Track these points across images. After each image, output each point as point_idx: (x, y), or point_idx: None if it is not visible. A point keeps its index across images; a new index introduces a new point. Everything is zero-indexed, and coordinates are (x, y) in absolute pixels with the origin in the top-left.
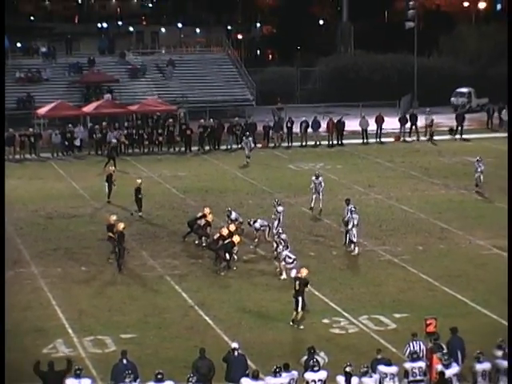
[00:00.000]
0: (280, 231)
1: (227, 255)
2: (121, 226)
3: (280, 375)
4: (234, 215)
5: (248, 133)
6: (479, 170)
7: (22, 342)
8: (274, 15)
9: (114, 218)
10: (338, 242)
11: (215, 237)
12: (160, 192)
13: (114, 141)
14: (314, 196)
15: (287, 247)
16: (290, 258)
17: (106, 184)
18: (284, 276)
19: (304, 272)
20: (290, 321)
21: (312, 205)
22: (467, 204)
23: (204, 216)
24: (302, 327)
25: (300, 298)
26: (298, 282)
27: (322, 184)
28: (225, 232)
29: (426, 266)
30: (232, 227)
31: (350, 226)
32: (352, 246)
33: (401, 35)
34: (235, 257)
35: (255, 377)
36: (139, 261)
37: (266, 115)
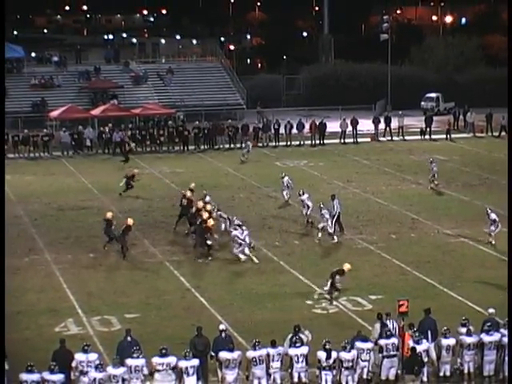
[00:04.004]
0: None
1: (207, 242)
2: (130, 221)
3: (260, 348)
4: (207, 198)
5: (241, 133)
6: (434, 169)
7: (37, 322)
8: (262, 28)
9: (110, 214)
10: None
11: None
12: (160, 186)
13: (119, 139)
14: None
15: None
16: (238, 238)
17: (125, 180)
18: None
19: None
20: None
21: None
22: (435, 197)
23: (198, 210)
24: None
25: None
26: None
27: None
28: (205, 216)
29: (398, 253)
30: (208, 207)
31: (330, 218)
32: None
33: (376, 46)
34: (209, 242)
35: (231, 349)
36: (141, 248)
37: (255, 118)
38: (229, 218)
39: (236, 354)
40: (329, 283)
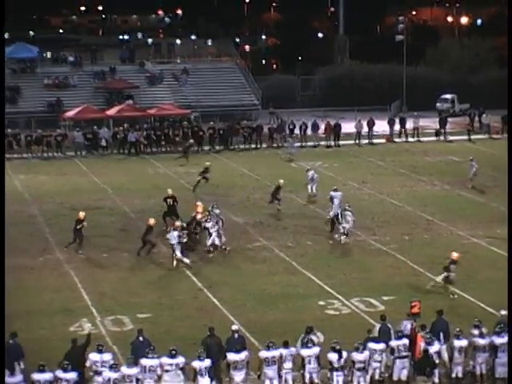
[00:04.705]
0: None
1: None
2: (151, 221)
3: (273, 349)
4: (217, 211)
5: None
6: (474, 169)
7: (52, 321)
8: (277, 29)
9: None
10: (333, 232)
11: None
12: (175, 187)
13: (134, 139)
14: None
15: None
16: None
17: (201, 175)
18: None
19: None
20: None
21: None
22: (450, 199)
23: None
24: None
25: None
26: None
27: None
28: (198, 216)
29: (411, 254)
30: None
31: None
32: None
33: (391, 47)
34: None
35: (238, 351)
36: (155, 249)
37: (270, 118)
38: (222, 219)
39: (243, 355)
40: (443, 276)
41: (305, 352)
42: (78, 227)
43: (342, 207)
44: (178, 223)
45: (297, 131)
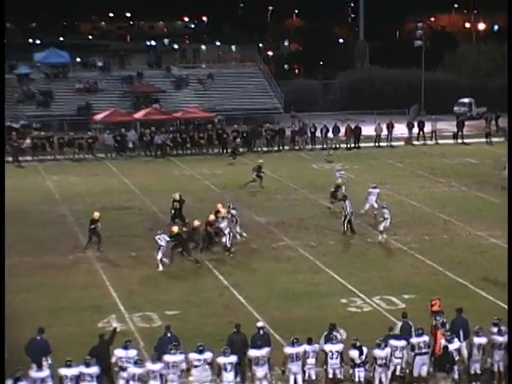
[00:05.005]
0: None
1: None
2: (196, 222)
3: (298, 345)
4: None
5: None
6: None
7: (80, 318)
8: (300, 35)
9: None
10: (347, 232)
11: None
12: (200, 188)
13: (160, 142)
14: None
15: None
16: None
17: (255, 173)
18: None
19: None
20: None
21: None
22: (467, 200)
23: (217, 212)
24: None
25: None
26: None
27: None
28: (211, 217)
29: (431, 254)
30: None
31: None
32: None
33: (410, 52)
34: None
35: (259, 347)
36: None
37: (292, 121)
38: (237, 219)
39: (264, 351)
40: None
41: (328, 347)
42: (92, 227)
43: (380, 205)
44: (174, 228)
45: (318, 134)
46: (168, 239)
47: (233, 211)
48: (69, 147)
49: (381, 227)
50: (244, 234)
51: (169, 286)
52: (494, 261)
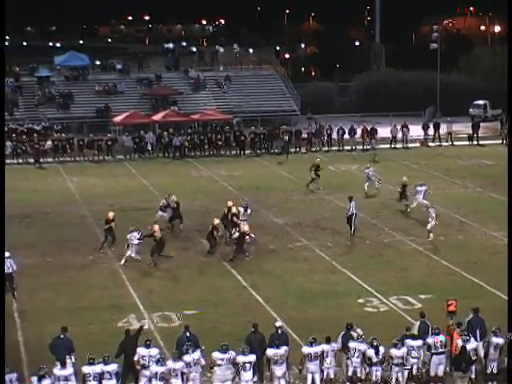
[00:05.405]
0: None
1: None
2: (216, 221)
3: (315, 345)
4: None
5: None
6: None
7: (101, 317)
8: (316, 38)
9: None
10: (370, 232)
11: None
12: (217, 189)
13: (178, 144)
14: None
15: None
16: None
17: (313, 173)
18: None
19: None
20: None
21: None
22: (482, 201)
23: (229, 209)
24: None
25: None
26: None
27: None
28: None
29: (446, 254)
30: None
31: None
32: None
33: (426, 55)
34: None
35: (277, 346)
36: (200, 248)
37: (308, 123)
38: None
39: (283, 350)
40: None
41: (353, 345)
42: (107, 227)
43: (426, 204)
44: (156, 226)
45: (334, 135)
46: (139, 238)
47: (241, 209)
48: (89, 149)
49: (428, 226)
50: (251, 235)
51: (187, 286)
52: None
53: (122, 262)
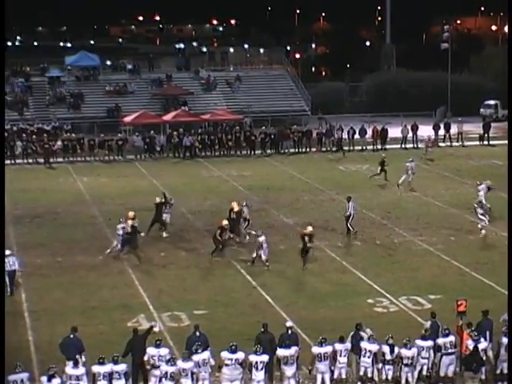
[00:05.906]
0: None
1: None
2: (224, 222)
3: (326, 345)
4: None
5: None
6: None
7: (110, 317)
8: (327, 38)
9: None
10: (380, 232)
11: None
12: (227, 189)
13: (189, 144)
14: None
15: None
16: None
17: (380, 167)
18: None
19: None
20: None
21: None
22: (492, 201)
23: (231, 209)
24: None
25: None
26: None
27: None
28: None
29: (457, 254)
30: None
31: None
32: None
33: (436, 55)
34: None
35: (288, 346)
36: (210, 248)
37: (319, 123)
38: (248, 220)
39: (293, 350)
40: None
41: (364, 345)
42: (135, 225)
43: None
44: (130, 219)
45: (345, 136)
46: (123, 227)
47: (245, 209)
48: (99, 149)
49: (481, 224)
50: (253, 232)
51: (197, 286)
52: None
53: (108, 251)
